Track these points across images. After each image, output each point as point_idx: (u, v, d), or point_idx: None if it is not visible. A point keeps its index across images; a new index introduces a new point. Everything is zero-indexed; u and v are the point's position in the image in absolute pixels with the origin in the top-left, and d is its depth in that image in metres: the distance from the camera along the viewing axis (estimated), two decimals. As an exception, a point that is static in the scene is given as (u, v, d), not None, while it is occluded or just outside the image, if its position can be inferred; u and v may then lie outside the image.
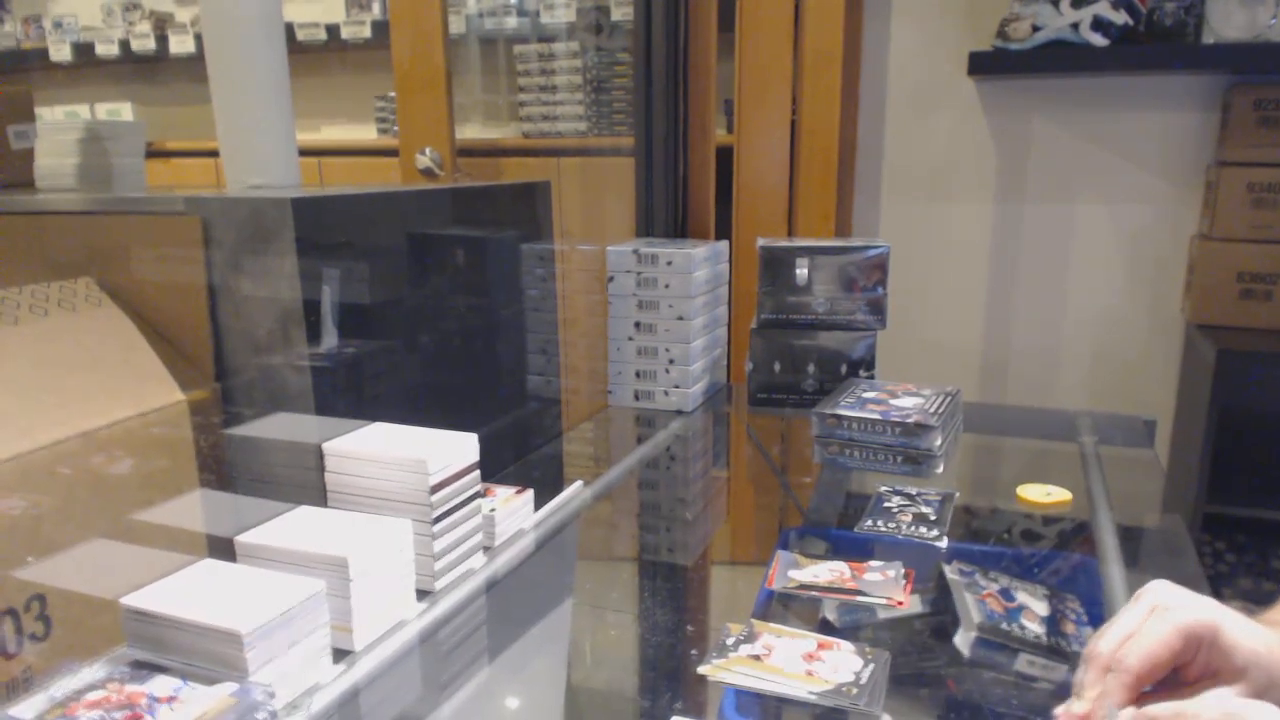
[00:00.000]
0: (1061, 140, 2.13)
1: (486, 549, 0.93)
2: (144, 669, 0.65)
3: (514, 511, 0.97)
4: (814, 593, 0.84)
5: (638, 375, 1.44)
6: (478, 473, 0.88)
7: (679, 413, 1.43)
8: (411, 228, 1.21)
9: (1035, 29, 1.93)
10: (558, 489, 1.09)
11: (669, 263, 1.39)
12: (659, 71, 1.69)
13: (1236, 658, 0.58)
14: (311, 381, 1.01)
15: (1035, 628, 0.76)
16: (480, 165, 2.67)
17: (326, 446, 0.84)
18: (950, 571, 0.84)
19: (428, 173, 2.32)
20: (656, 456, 1.33)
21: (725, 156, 2.00)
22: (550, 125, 2.81)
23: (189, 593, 0.68)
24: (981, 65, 2.01)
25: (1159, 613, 0.59)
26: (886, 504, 1.04)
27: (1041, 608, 0.80)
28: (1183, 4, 1.90)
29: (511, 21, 2.89)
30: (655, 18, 1.68)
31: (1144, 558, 0.98)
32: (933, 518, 1.00)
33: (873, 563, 0.89)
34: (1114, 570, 0.89)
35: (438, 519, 0.83)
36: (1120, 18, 1.88)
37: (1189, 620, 0.58)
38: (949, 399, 1.22)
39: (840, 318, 1.39)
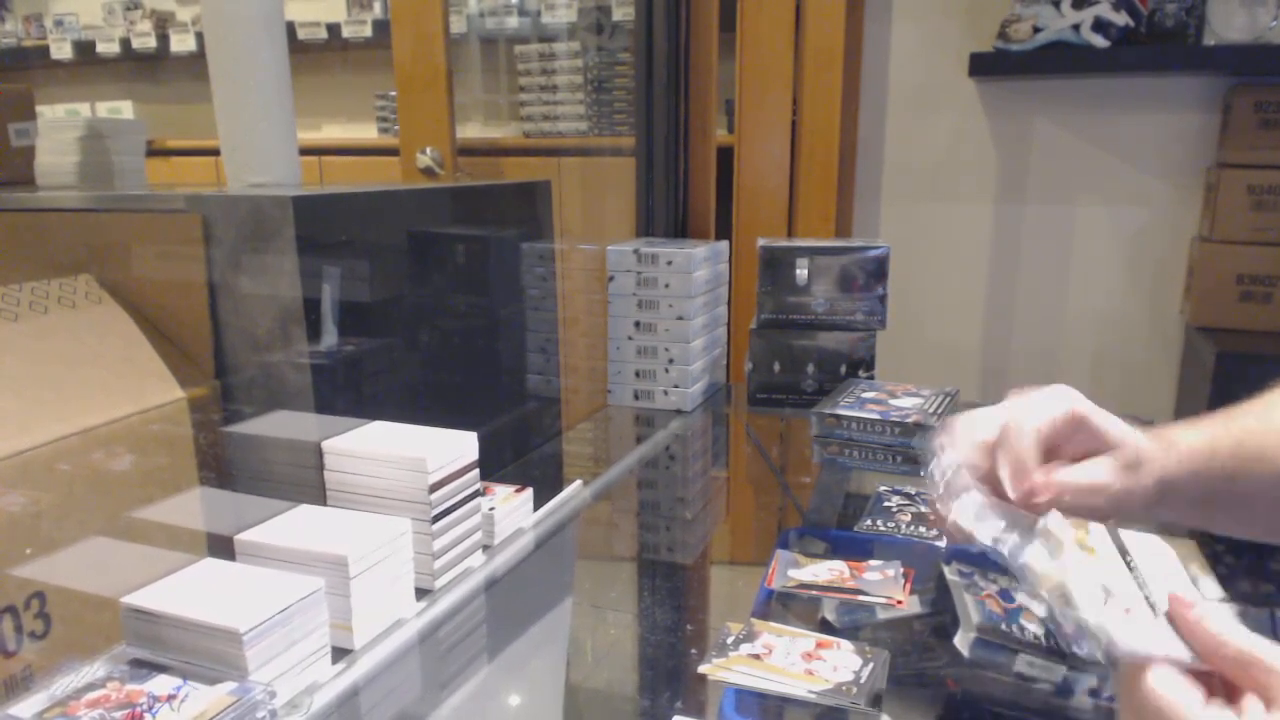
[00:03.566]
0: (1062, 141, 2.13)
1: (486, 548, 0.93)
2: (144, 668, 0.65)
3: (513, 510, 0.97)
4: (813, 592, 0.84)
5: (637, 375, 1.44)
6: (477, 471, 0.88)
7: (678, 412, 1.43)
8: (412, 227, 1.21)
9: (1036, 30, 1.93)
10: (557, 488, 1.09)
11: (669, 262, 1.39)
12: (660, 71, 1.69)
13: (1110, 435, 0.64)
14: (311, 380, 1.01)
15: (1034, 629, 0.76)
16: (481, 164, 2.67)
17: (326, 445, 0.84)
18: (949, 572, 0.84)
19: (428, 172, 2.32)
20: (656, 456, 1.33)
21: (725, 156, 2.00)
22: (551, 125, 2.82)
23: (188, 591, 0.68)
24: (982, 66, 2.01)
25: (1035, 402, 0.64)
26: (886, 504, 1.04)
27: (1040, 609, 0.80)
28: (1184, 5, 1.90)
29: (512, 21, 2.89)
30: (656, 18, 1.68)
31: (1143, 559, 0.98)
32: (932, 517, 1.00)
33: (872, 562, 0.89)
34: (1113, 571, 0.89)
35: (437, 518, 0.83)
36: (1121, 19, 1.88)
37: (1072, 404, 0.64)
38: (948, 399, 1.22)
39: (840, 318, 1.39)
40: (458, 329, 1.31)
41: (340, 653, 0.73)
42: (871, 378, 1.38)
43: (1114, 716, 0.56)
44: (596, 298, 1.47)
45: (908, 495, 1.06)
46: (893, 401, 1.21)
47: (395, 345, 1.17)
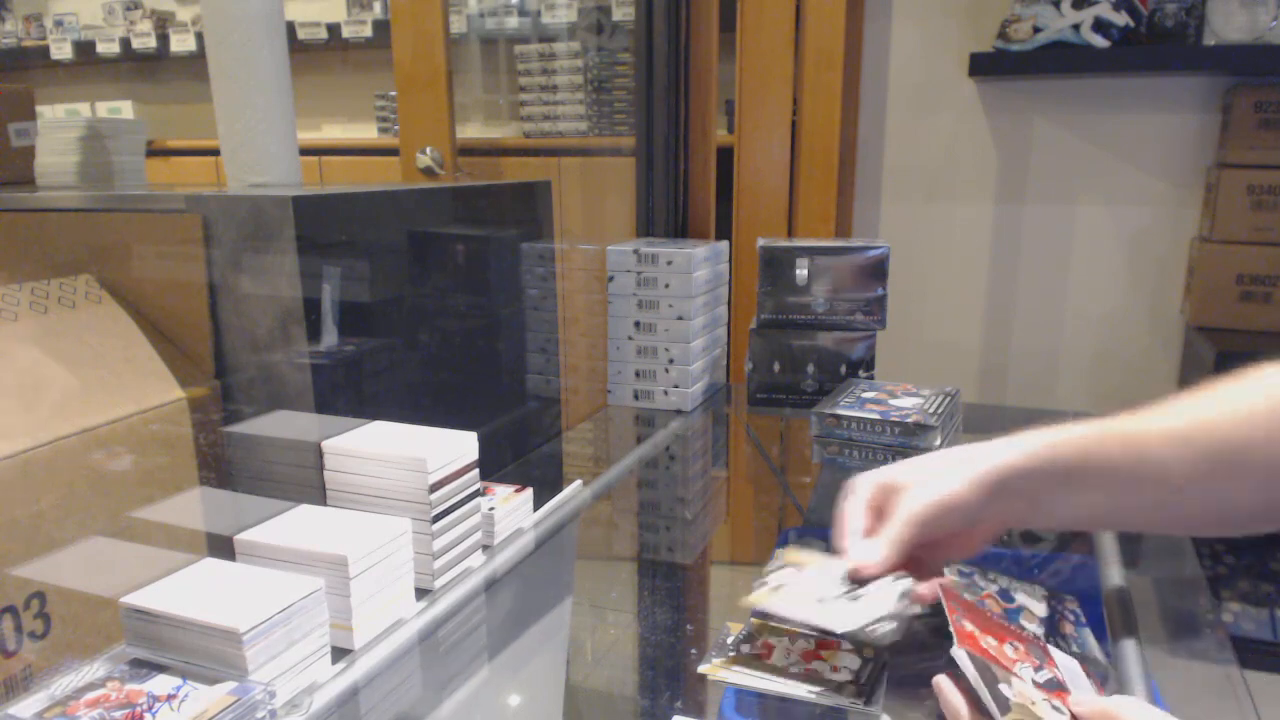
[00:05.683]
0: (1062, 141, 2.13)
1: (486, 548, 0.93)
2: (144, 668, 0.65)
3: (513, 510, 0.97)
4: (789, 627, 0.81)
5: (637, 375, 1.44)
6: (477, 471, 0.88)
7: (678, 412, 1.43)
8: (412, 226, 1.21)
9: (1036, 30, 1.93)
10: (557, 488, 1.09)
11: (669, 262, 1.39)
12: (660, 71, 1.69)
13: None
14: (311, 379, 1.01)
15: (1034, 629, 0.76)
16: (481, 165, 2.67)
17: (326, 445, 0.84)
18: (949, 572, 0.84)
19: (428, 172, 2.32)
20: (656, 456, 1.33)
21: (726, 156, 2.00)
22: (551, 125, 2.82)
23: (188, 591, 0.68)
24: (982, 66, 2.01)
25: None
26: (886, 504, 1.04)
27: (1040, 608, 0.80)
28: (1184, 5, 1.91)
29: (512, 21, 2.90)
30: (656, 18, 1.68)
31: (1143, 559, 0.98)
32: (932, 518, 1.00)
33: (872, 563, 0.88)
34: (1113, 571, 0.89)
35: (437, 517, 0.83)
36: (1121, 19, 1.88)
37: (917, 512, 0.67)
38: (948, 399, 1.22)
39: (840, 318, 1.39)
40: (458, 329, 1.31)
41: (340, 653, 0.73)
42: (871, 378, 1.38)
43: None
44: (596, 298, 1.47)
45: (908, 495, 1.06)
46: (893, 401, 1.21)
47: (395, 345, 1.17)
